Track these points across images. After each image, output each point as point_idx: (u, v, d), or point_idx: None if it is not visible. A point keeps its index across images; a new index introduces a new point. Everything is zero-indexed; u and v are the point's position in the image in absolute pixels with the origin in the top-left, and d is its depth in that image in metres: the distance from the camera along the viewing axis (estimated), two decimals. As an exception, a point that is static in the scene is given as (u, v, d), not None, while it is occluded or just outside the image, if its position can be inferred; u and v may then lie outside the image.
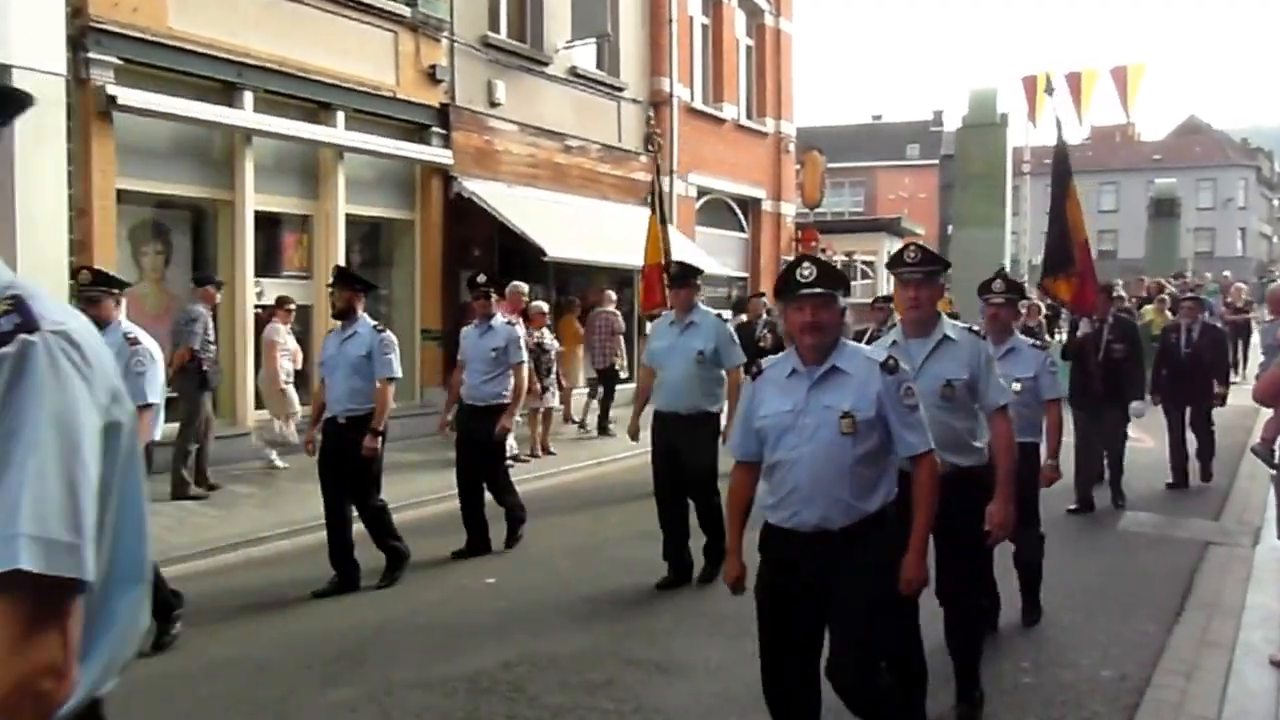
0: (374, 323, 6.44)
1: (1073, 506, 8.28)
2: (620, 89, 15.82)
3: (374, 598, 6.14)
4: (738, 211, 19.54)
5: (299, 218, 11.17)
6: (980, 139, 26.58)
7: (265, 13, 10.31)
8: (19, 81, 8.25)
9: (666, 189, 16.50)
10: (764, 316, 11.88)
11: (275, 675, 4.89)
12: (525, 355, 7.51)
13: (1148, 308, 15.89)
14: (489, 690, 4.66)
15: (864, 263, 31.80)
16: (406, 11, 11.79)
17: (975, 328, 4.52)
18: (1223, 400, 9.83)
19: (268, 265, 10.74)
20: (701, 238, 17.52)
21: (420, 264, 12.42)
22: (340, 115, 11.07)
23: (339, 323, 6.52)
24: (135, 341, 5.15)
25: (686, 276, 6.65)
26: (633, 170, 16.02)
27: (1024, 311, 15.82)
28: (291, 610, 5.95)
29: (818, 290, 3.39)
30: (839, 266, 7.13)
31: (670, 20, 16.46)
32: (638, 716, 4.41)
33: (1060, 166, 8.14)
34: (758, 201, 19.64)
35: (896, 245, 31.65)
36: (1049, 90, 8.02)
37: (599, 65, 15.54)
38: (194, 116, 9.67)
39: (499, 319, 7.34)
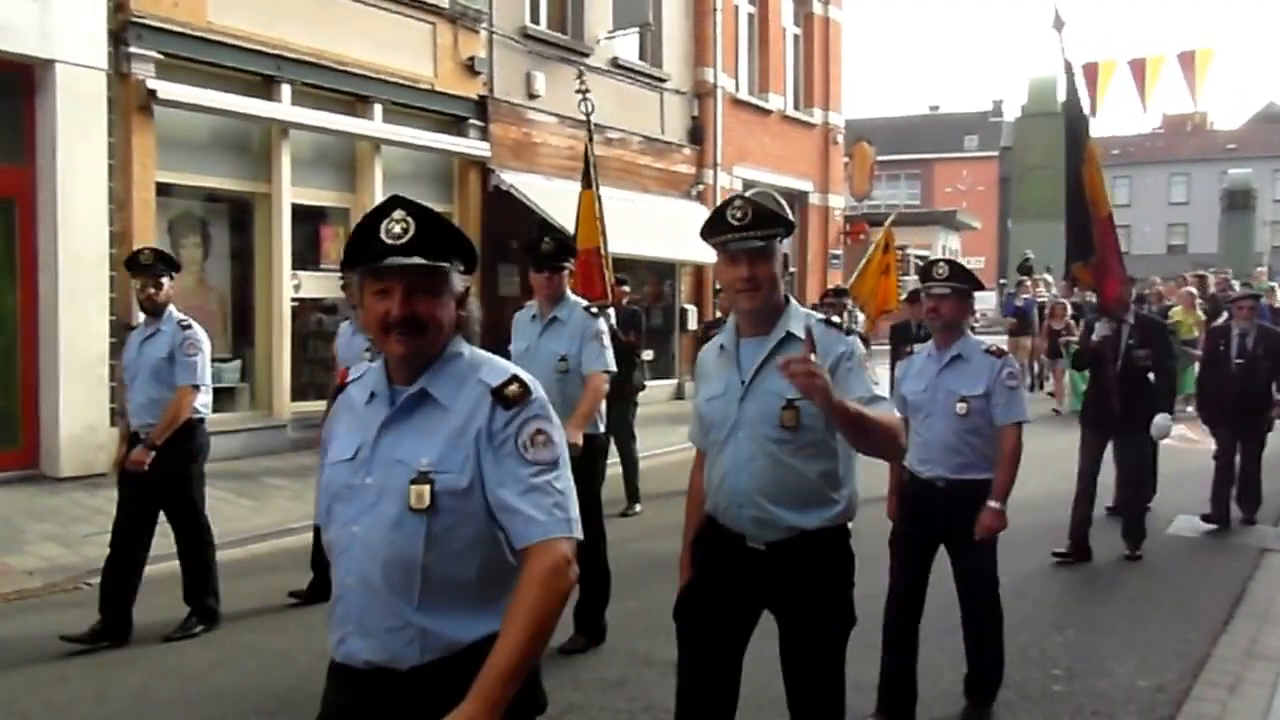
0: (181, 317, 5.26)
1: (1061, 550, 6.74)
2: (663, 80, 15.66)
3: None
4: (784, 204, 19.26)
5: (337, 210, 11.19)
6: (1040, 129, 26.12)
7: (303, 5, 10.34)
8: (61, 75, 8.39)
9: (711, 182, 16.35)
10: None
11: (291, 664, 4.86)
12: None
13: (1175, 308, 14.09)
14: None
15: (918, 257, 31.31)
16: (445, 3, 11.76)
17: (995, 347, 4.33)
18: None
19: (305, 258, 10.78)
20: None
21: (458, 257, 12.37)
22: (378, 108, 11.07)
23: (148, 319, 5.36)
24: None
25: (558, 256, 5.09)
26: (675, 163, 15.87)
27: (1050, 312, 15.24)
28: (320, 603, 5.92)
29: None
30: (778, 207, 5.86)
31: (715, 9, 16.27)
32: (648, 715, 4.31)
33: (1074, 122, 6.94)
34: (805, 194, 19.36)
35: (952, 239, 31.21)
36: (1057, 26, 6.83)
37: (641, 56, 15.39)
38: (232, 110, 9.72)
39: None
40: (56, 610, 5.57)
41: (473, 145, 12.20)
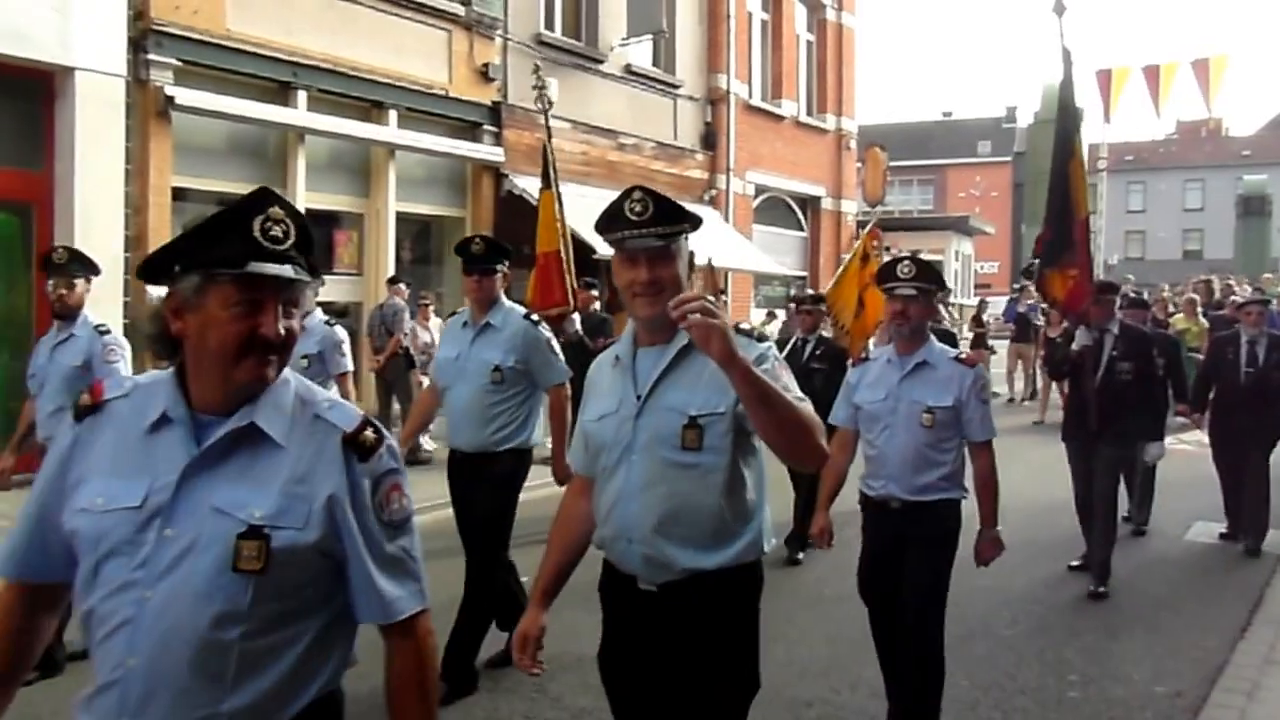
0: (97, 322, 4.91)
1: (1076, 563, 6.58)
2: (676, 86, 15.69)
3: (434, 590, 6.10)
4: (797, 210, 19.28)
5: (351, 215, 11.25)
6: (1054, 134, 25.91)
7: (320, 13, 10.40)
8: (81, 82, 8.46)
9: (724, 187, 16.36)
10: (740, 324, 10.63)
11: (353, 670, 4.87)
12: (351, 363, 5.85)
13: (1177, 316, 13.42)
14: (510, 690, 4.57)
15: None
16: (460, 10, 11.82)
17: (964, 355, 4.01)
18: None
19: (320, 263, 10.82)
20: (759, 236, 17.34)
21: (472, 262, 12.43)
22: (393, 114, 11.13)
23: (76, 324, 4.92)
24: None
25: (489, 258, 4.68)
26: (688, 168, 15.89)
27: (1048, 319, 14.75)
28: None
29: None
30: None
31: (728, 16, 16.31)
32: None
33: (1067, 114, 6.39)
34: (817, 200, 19.37)
35: (965, 244, 31.13)
36: (1059, 10, 6.40)
37: (655, 62, 15.43)
38: (249, 116, 9.79)
39: (314, 317, 5.59)
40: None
41: (486, 151, 12.25)
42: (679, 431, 2.34)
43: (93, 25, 8.54)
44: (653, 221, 2.33)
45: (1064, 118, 6.43)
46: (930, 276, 3.87)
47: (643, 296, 2.36)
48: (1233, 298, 12.91)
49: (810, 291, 9.09)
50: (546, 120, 8.53)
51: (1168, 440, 6.97)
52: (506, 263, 4.81)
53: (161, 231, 9.06)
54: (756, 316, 17.19)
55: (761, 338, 2.42)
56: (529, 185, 12.49)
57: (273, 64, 9.97)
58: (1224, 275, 19.22)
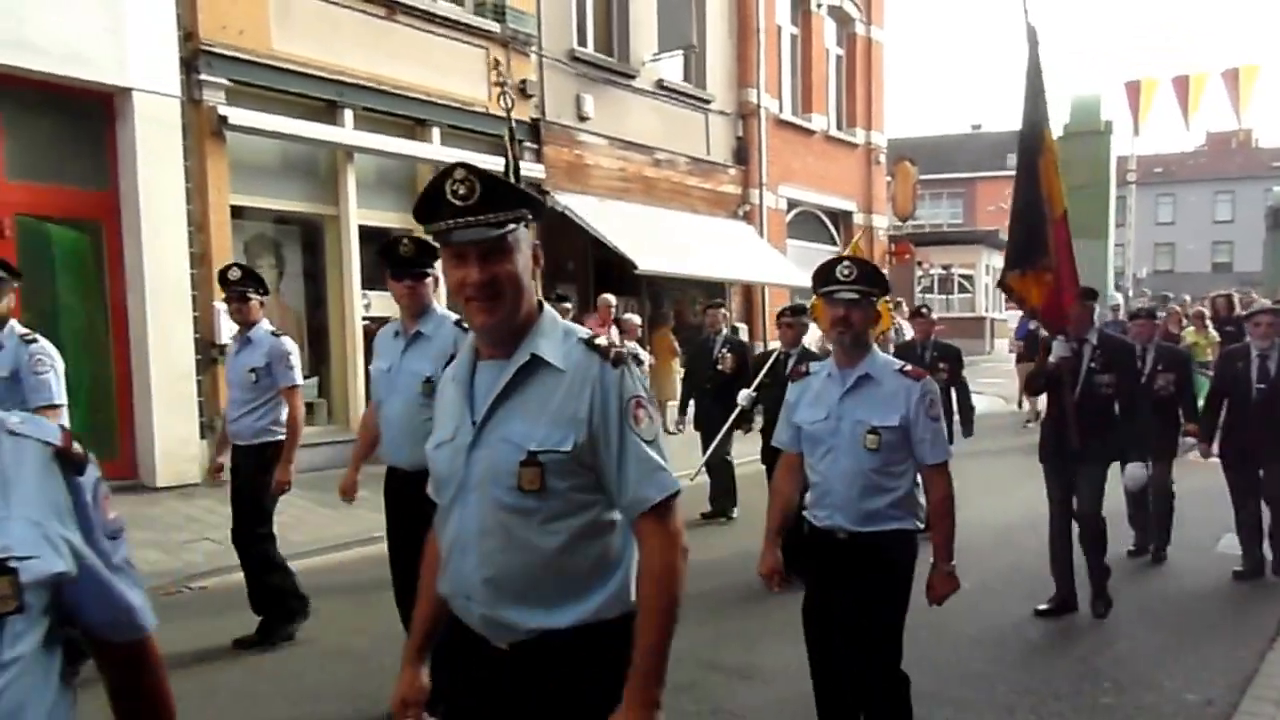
0: (23, 331, 4.77)
1: (1044, 607, 6.01)
2: (708, 101, 15.92)
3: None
4: (828, 224, 19.46)
5: (401, 232, 11.46)
6: (1083, 147, 25.97)
7: (363, 33, 10.69)
8: (139, 102, 8.78)
9: (757, 202, 16.57)
10: (724, 331, 9.39)
11: (377, 667, 5.05)
12: (300, 376, 5.58)
13: (1188, 329, 13.03)
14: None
15: (962, 276, 31.29)
16: (496, 28, 12.10)
17: (910, 367, 3.57)
18: None
19: (374, 278, 11.12)
20: (792, 250, 17.51)
21: (515, 277, 12.68)
22: (436, 131, 11.40)
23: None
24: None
25: (419, 260, 4.32)
26: (721, 183, 16.12)
27: (1032, 327, 14.01)
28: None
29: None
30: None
31: (758, 31, 16.51)
32: (716, 718, 4.52)
33: (1035, 101, 5.78)
34: (849, 214, 19.54)
35: (996, 258, 31.12)
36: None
37: (686, 78, 15.66)
38: (298, 134, 10.06)
39: (262, 327, 5.51)
40: (161, 612, 5.87)
41: (527, 167, 12.46)
42: (515, 469, 1.93)
43: (146, 46, 8.82)
44: (482, 207, 1.90)
45: (1032, 107, 5.77)
46: (873, 279, 3.47)
47: (476, 301, 1.95)
48: (1235, 311, 12.59)
49: (789, 304, 8.72)
50: (510, 125, 7.85)
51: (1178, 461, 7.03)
52: (437, 264, 4.70)
53: (223, 249, 9.36)
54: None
55: (617, 361, 2.00)
56: (570, 201, 12.78)
57: (318, 83, 10.23)
58: (1244, 289, 18.89)
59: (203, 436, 8.89)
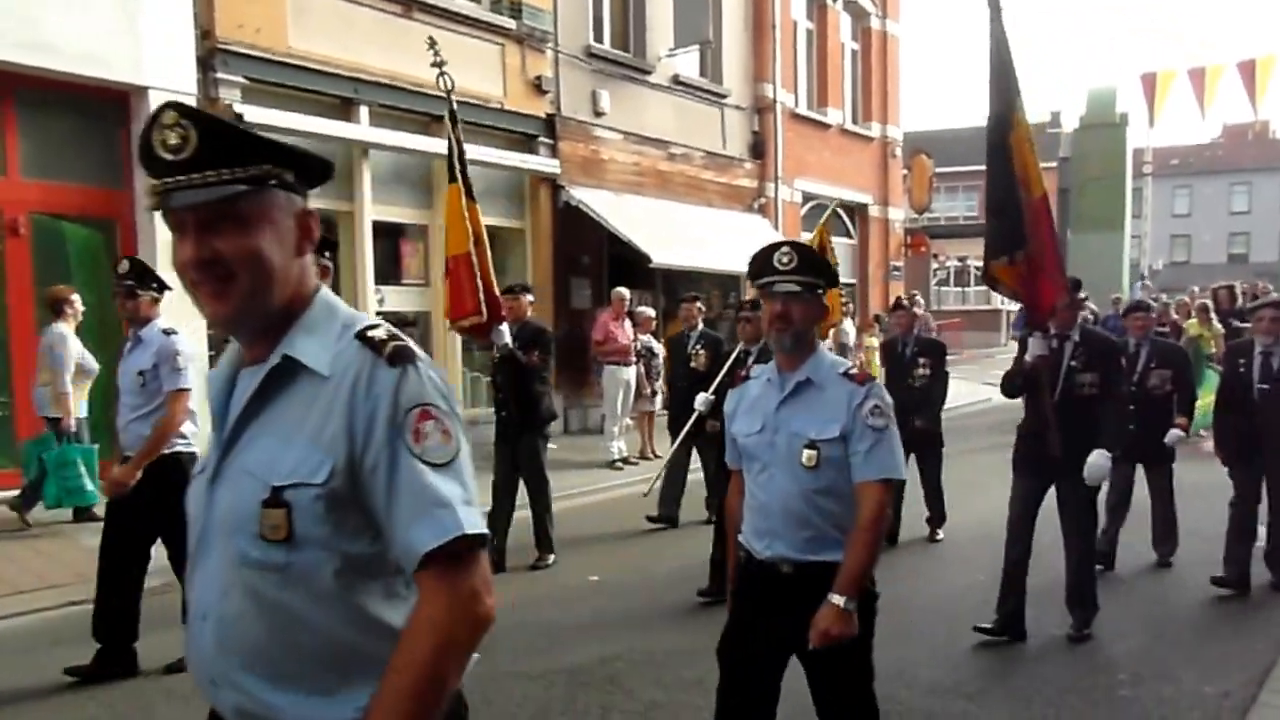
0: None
1: (986, 625, 5.42)
2: (723, 95, 15.93)
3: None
4: (844, 217, 19.44)
5: (415, 227, 11.61)
6: (1099, 139, 25.90)
7: (378, 30, 10.74)
8: (155, 101, 8.83)
9: (772, 195, 16.57)
10: (699, 327, 8.82)
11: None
12: (187, 380, 5.12)
13: (1191, 322, 12.63)
14: (586, 683, 4.82)
15: (977, 268, 31.19)
16: (512, 24, 12.13)
17: (855, 370, 3.02)
18: None
19: (387, 274, 11.21)
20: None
21: (532, 272, 12.72)
22: (452, 128, 11.44)
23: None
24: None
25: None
26: (737, 177, 16.14)
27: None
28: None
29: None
30: None
31: (773, 25, 16.52)
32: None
33: (1003, 75, 5.19)
34: (864, 207, 19.52)
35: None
36: None
37: (702, 73, 15.69)
38: (314, 131, 10.10)
39: (155, 326, 5.17)
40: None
41: (543, 162, 12.56)
42: (256, 512, 1.45)
43: (163, 45, 8.88)
44: (201, 162, 1.43)
45: (1000, 80, 5.20)
46: (817, 268, 2.97)
47: (200, 285, 1.49)
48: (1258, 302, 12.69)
49: (749, 297, 7.72)
50: (450, 104, 7.18)
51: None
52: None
53: (237, 245, 9.44)
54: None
55: (396, 357, 1.48)
56: (586, 197, 12.83)
57: (334, 80, 10.30)
58: (1250, 281, 18.63)
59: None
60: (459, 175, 6.74)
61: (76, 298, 7.79)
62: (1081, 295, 6.13)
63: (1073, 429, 5.16)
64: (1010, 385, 5.59)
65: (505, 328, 6.66)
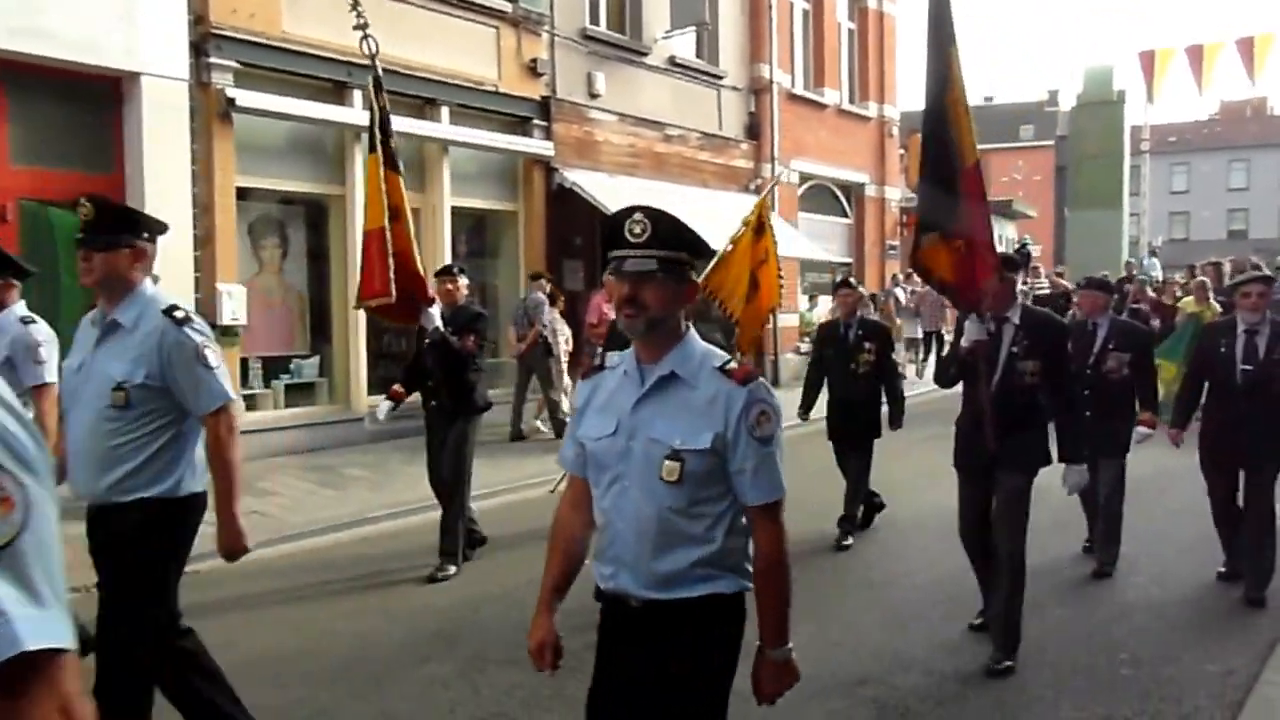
0: (23, 313, 4.63)
1: (976, 620, 5.22)
2: (720, 77, 15.83)
3: (470, 579, 6.33)
4: (841, 197, 19.35)
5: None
6: (1096, 117, 25.84)
7: (372, 13, 10.43)
8: (148, 86, 8.77)
9: (769, 176, 16.48)
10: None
11: (375, 650, 5.10)
12: (49, 374, 4.55)
13: (1186, 300, 11.93)
14: (575, 670, 4.71)
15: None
16: (508, 7, 12.03)
17: (735, 365, 2.40)
18: None
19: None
20: (804, 224, 17.45)
21: (524, 254, 12.68)
22: (445, 110, 11.37)
23: None
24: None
25: (101, 226, 3.31)
26: (733, 158, 16.05)
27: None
28: (395, 588, 6.19)
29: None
30: None
31: (770, 6, 16.40)
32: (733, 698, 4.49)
33: (940, 28, 4.70)
34: (861, 186, 19.42)
35: (1008, 228, 30.92)
36: None
37: (698, 54, 15.58)
38: (307, 115, 10.07)
39: (12, 313, 4.72)
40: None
41: (536, 145, 12.47)
42: None
43: (156, 31, 8.82)
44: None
45: (937, 30, 4.70)
46: (678, 238, 2.35)
47: None
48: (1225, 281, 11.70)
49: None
50: (375, 70, 6.63)
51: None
52: (145, 234, 3.47)
53: (228, 230, 9.39)
54: (802, 303, 17.35)
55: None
56: (579, 178, 12.75)
57: (328, 64, 10.21)
58: (1237, 258, 18.25)
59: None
60: (379, 145, 6.15)
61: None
62: (1035, 269, 5.69)
63: (1012, 421, 4.69)
64: (944, 374, 5.14)
65: (436, 310, 6.12)
